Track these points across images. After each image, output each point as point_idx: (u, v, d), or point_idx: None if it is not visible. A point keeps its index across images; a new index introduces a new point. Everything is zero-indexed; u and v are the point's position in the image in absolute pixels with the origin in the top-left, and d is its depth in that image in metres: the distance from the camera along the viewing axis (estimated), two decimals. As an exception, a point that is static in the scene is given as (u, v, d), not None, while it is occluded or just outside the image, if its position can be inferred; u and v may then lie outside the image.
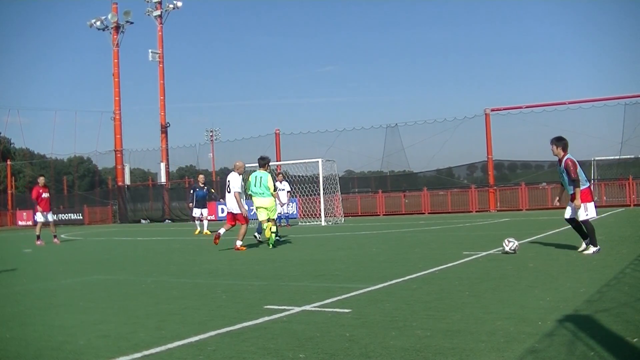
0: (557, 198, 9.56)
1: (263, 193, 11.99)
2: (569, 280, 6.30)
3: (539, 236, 11.91)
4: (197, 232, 19.51)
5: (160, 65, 38.55)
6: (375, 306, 5.28)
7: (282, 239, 13.80)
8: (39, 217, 16.91)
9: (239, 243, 11.73)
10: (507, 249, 8.89)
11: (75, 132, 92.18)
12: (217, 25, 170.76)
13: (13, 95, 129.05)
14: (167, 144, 38.93)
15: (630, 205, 25.85)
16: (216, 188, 28.45)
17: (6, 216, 40.65)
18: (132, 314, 5.45)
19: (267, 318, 4.93)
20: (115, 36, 38.87)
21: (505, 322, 4.42)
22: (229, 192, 12.05)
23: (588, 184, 8.98)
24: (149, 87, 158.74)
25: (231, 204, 12.07)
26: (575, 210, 8.76)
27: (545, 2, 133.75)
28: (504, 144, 46.23)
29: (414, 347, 3.87)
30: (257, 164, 12.69)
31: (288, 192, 20.82)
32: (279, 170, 23.28)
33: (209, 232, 19.00)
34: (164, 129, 38.64)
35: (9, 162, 45.04)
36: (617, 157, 31.24)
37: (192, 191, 21.06)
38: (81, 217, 37.08)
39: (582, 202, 8.66)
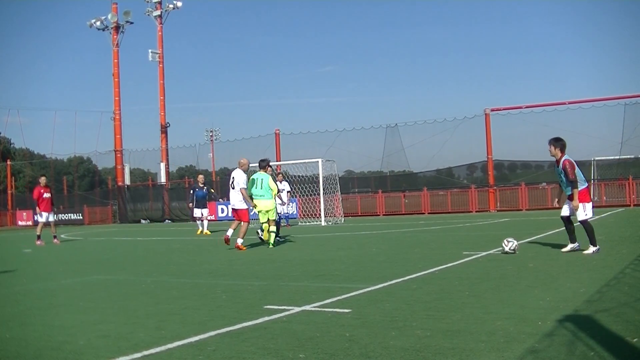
0: (557, 199, 9.58)
1: (264, 195, 11.98)
2: (569, 280, 6.31)
3: (538, 236, 11.91)
4: (199, 232, 19.52)
5: (160, 65, 38.56)
6: (375, 306, 5.28)
7: (282, 239, 13.81)
8: (41, 217, 16.91)
9: (239, 241, 11.73)
10: (506, 249, 8.90)
11: (75, 132, 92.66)
12: (217, 25, 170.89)
13: (13, 95, 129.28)
14: (167, 144, 38.92)
15: (630, 205, 25.86)
16: (216, 188, 28.45)
17: (6, 216, 40.65)
18: (132, 314, 5.45)
19: (267, 318, 4.93)
20: (115, 36, 38.87)
21: (505, 322, 4.42)
22: (233, 188, 12.04)
23: (586, 184, 8.99)
24: (149, 87, 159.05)
25: (235, 200, 12.07)
26: (573, 210, 8.78)
27: (545, 2, 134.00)
28: (503, 144, 46.40)
29: (414, 347, 3.87)
30: (258, 166, 12.70)
31: (288, 192, 20.81)
32: (279, 170, 23.26)
33: (209, 232, 19.01)
34: (164, 129, 38.64)
35: (8, 162, 45.05)
36: (617, 157, 31.25)
37: (191, 191, 21.05)
38: (81, 217, 37.08)
39: (580, 202, 8.68)
